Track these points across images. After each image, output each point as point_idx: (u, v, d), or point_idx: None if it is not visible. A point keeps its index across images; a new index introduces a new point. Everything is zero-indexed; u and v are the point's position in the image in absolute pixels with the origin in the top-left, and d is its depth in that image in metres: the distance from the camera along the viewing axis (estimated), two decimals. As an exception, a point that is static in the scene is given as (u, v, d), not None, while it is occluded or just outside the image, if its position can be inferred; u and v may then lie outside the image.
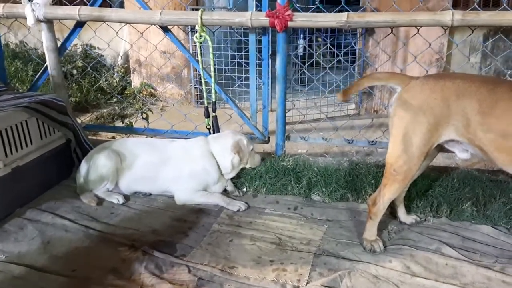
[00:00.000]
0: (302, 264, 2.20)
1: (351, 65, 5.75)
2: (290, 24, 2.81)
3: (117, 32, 3.50)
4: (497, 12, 2.55)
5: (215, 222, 2.60)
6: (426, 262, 2.18)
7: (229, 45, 5.80)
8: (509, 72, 3.63)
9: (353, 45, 5.91)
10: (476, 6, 2.65)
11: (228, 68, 5.91)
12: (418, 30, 2.82)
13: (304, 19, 2.80)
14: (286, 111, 3.11)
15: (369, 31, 5.70)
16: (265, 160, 2.89)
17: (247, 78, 4.28)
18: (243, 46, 5.46)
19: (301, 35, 6.74)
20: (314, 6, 3.23)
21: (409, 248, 2.29)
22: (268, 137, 3.28)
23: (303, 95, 6.01)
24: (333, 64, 5.87)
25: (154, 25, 3.09)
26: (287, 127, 3.17)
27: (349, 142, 3.17)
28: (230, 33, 6.13)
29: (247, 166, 2.90)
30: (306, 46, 6.54)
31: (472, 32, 5.11)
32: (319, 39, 6.77)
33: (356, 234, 2.43)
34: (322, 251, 2.30)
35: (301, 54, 6.83)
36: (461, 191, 2.64)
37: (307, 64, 4.45)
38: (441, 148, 2.29)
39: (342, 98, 2.31)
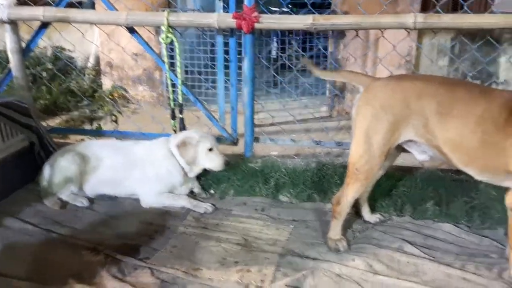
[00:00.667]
0: (266, 264, 2.20)
1: (324, 68, 5.88)
2: (257, 25, 2.82)
3: (83, 34, 3.45)
4: (458, 15, 2.62)
5: (181, 224, 2.58)
6: (388, 260, 2.21)
7: (202, 47, 5.78)
8: (470, 74, 3.66)
9: (322, 48, 5.97)
10: (439, 9, 2.70)
11: (201, 71, 5.89)
12: (382, 33, 2.87)
13: (271, 21, 2.82)
14: (257, 113, 3.11)
15: (339, 34, 5.77)
16: (230, 165, 2.83)
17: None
18: (216, 48, 5.45)
19: (274, 37, 6.79)
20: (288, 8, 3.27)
21: (373, 246, 2.32)
22: (237, 139, 3.28)
23: (276, 98, 6.04)
24: (304, 67, 5.90)
25: (121, 26, 3.06)
26: (259, 129, 3.18)
27: (317, 144, 3.19)
28: (202, 36, 6.12)
29: (206, 167, 2.82)
30: (278, 49, 6.59)
31: (435, 35, 5.21)
32: (293, 42, 6.84)
33: (321, 234, 2.45)
34: (287, 251, 2.31)
35: (274, 56, 6.88)
36: (424, 190, 2.69)
37: (274, 66, 4.46)
38: (402, 149, 2.33)
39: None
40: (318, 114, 6.10)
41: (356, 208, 2.60)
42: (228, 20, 2.84)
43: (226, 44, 3.85)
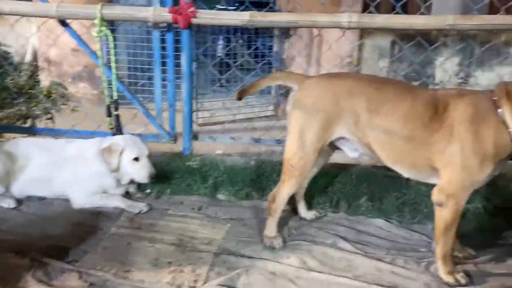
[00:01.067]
0: (200, 264, 2.16)
1: (269, 67, 5.90)
2: (194, 21, 2.77)
3: (12, 26, 3.26)
4: (391, 15, 2.69)
5: (114, 225, 2.50)
6: (322, 256, 2.23)
7: (145, 43, 5.64)
8: (402, 74, 3.78)
9: (268, 47, 5.99)
10: (373, 10, 2.76)
11: (144, 67, 5.74)
12: (319, 32, 2.90)
13: (208, 16, 2.78)
14: (201, 111, 3.06)
15: (284, 34, 5.81)
16: (156, 178, 2.68)
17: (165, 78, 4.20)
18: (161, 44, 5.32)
19: (221, 35, 6.75)
20: (235, 6, 3.23)
21: (307, 243, 2.33)
22: (176, 137, 3.22)
23: (222, 96, 5.99)
24: (250, 65, 5.91)
25: (51, 18, 2.92)
26: (204, 128, 3.13)
27: (256, 141, 3.19)
28: (148, 31, 5.96)
29: (130, 177, 2.69)
30: (224, 47, 6.55)
31: (376, 37, 5.35)
32: (240, 41, 6.83)
33: (258, 232, 2.44)
34: (223, 250, 2.28)
35: (220, 54, 6.83)
36: (358, 186, 2.74)
37: (212, 63, 4.41)
38: (336, 147, 2.36)
39: (238, 97, 2.32)
40: (264, 113, 6.12)
41: (293, 205, 2.62)
42: (164, 14, 2.78)
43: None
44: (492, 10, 3.62)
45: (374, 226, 2.52)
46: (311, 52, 5.83)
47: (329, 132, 2.15)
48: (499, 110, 1.87)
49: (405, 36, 5.87)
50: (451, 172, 1.95)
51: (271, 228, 2.33)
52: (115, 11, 2.83)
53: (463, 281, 2.04)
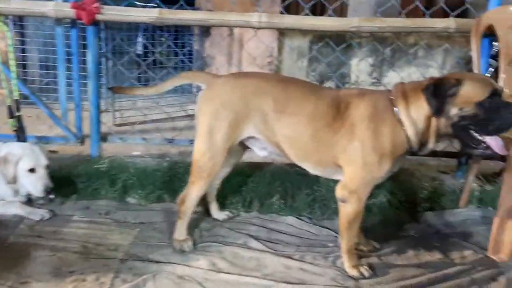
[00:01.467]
0: (105, 272, 2.06)
1: (190, 66, 5.82)
2: (99, 17, 2.65)
3: None
4: (300, 16, 2.74)
5: (12, 234, 2.32)
6: (232, 257, 2.21)
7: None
8: (309, 73, 3.88)
9: (189, 46, 5.91)
10: (283, 10, 2.79)
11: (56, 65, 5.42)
12: (232, 30, 2.88)
13: (113, 12, 2.67)
14: (120, 111, 2.92)
15: (205, 32, 5.76)
16: (51, 193, 2.53)
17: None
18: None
19: (140, 33, 6.54)
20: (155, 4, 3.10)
21: (218, 244, 2.31)
22: (83, 138, 3.06)
23: (143, 96, 5.80)
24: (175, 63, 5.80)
25: None
26: (123, 128, 2.99)
27: (170, 142, 3.11)
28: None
29: (26, 189, 2.53)
30: (143, 45, 6.36)
31: (295, 37, 5.45)
32: (162, 38, 6.67)
33: (168, 235, 2.37)
34: (130, 256, 2.19)
35: (141, 52, 6.63)
36: (272, 185, 2.76)
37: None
38: (247, 146, 2.36)
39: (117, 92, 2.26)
40: (185, 112, 6.01)
41: (205, 207, 2.58)
42: (66, 10, 2.63)
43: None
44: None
45: (285, 224, 2.55)
46: (232, 52, 5.83)
47: (238, 132, 2.13)
48: (395, 109, 1.95)
49: (322, 37, 6.06)
50: (353, 169, 2.01)
51: (180, 231, 2.28)
52: (11, 6, 2.63)
53: (366, 273, 2.11)
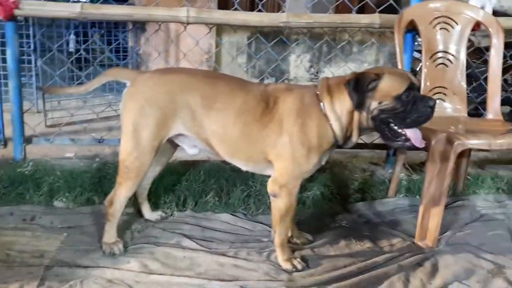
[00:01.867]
0: (29, 280, 1.95)
1: (125, 63, 5.66)
2: (17, 12, 2.50)
3: None
4: (229, 11, 2.72)
5: None
6: (164, 258, 2.16)
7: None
8: (249, 69, 3.89)
9: (124, 42, 5.74)
10: (212, 6, 2.76)
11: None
12: (160, 26, 2.83)
13: (32, 7, 2.53)
14: (51, 111, 2.76)
15: (139, 28, 5.61)
16: None
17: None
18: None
19: (72, 29, 6.28)
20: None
21: (150, 245, 2.25)
22: (5, 141, 2.88)
23: (76, 95, 5.56)
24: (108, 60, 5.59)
25: None
26: (53, 129, 2.83)
27: (100, 142, 3.00)
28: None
29: None
30: (76, 42, 6.12)
31: (235, 33, 5.45)
32: (99, 35, 6.44)
33: (97, 239, 2.28)
34: (56, 262, 2.08)
35: (73, 50, 6.38)
36: (206, 182, 2.73)
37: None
38: (178, 145, 2.31)
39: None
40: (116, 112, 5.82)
41: (137, 208, 2.51)
42: (-19, 4, 2.45)
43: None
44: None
45: (220, 221, 2.53)
46: (169, 48, 5.73)
47: (165, 129, 2.08)
48: (321, 104, 1.98)
49: (260, 33, 6.09)
50: (282, 164, 2.03)
51: (110, 234, 2.20)
52: None
53: (299, 266, 2.14)
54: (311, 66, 6.51)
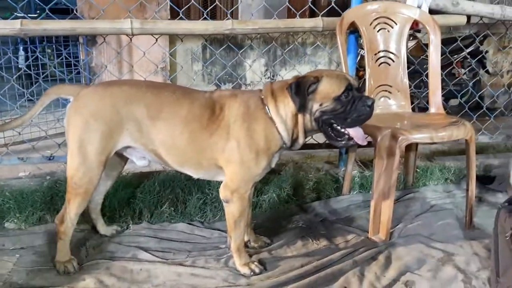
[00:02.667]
0: (-21, 306, 1.90)
1: (78, 77, 5.55)
2: (-48, 31, 2.42)
3: None
4: (173, 21, 2.73)
5: None
6: (121, 272, 2.14)
7: None
8: (205, 76, 3.89)
9: (74, 56, 5.63)
10: (156, 16, 2.76)
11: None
12: (104, 39, 2.80)
13: (-31, 25, 2.45)
14: None
15: (90, 41, 5.53)
16: None
17: None
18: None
19: (21, 45, 6.12)
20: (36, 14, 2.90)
21: (106, 260, 2.22)
22: None
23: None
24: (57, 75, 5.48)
25: None
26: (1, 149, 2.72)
27: (50, 159, 2.94)
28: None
29: None
30: (25, 58, 5.95)
31: (187, 41, 5.45)
32: (50, 50, 6.30)
33: (50, 258, 2.23)
34: (9, 285, 2.03)
35: (23, 66, 6.20)
36: (162, 193, 2.72)
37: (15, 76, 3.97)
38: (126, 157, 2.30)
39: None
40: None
41: (92, 224, 2.48)
42: None
43: None
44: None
45: (176, 231, 2.52)
46: (122, 60, 5.66)
47: (112, 143, 2.07)
48: (266, 108, 2.02)
49: (214, 40, 6.12)
50: (232, 169, 2.05)
51: (63, 252, 2.16)
52: None
53: (257, 270, 2.16)
54: (266, 70, 6.57)
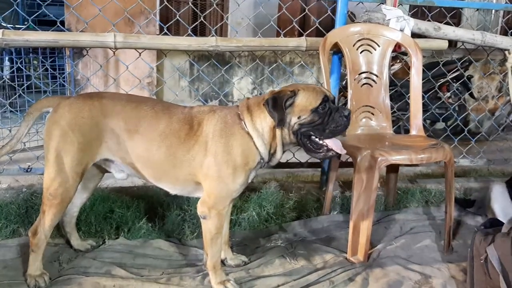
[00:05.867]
0: None
1: (63, 89, 5.52)
2: None
3: None
4: (157, 36, 2.75)
5: None
6: (93, 288, 2.10)
7: None
8: (192, 92, 3.89)
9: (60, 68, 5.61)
10: (140, 30, 2.77)
11: None
12: (87, 52, 2.79)
13: (-50, 34, 2.42)
14: None
15: (76, 53, 5.51)
16: None
17: None
18: None
19: (6, 56, 6.08)
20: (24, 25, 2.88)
21: (79, 276, 2.17)
22: None
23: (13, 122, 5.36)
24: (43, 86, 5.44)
25: None
26: None
27: (27, 171, 2.89)
28: None
29: None
30: (9, 69, 5.91)
31: (173, 57, 5.45)
32: (36, 61, 6.26)
33: (22, 272, 2.18)
34: (-25, 300, 1.98)
35: (8, 76, 6.15)
36: (140, 208, 2.68)
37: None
38: (106, 170, 2.27)
39: None
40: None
41: (66, 237, 2.43)
42: None
43: None
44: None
45: (152, 247, 2.47)
46: (108, 73, 5.64)
47: (90, 155, 2.04)
48: (243, 123, 2.02)
49: (201, 57, 6.14)
50: (209, 185, 2.03)
51: (35, 266, 2.11)
52: None
53: (231, 288, 2.13)
54: (254, 88, 6.60)
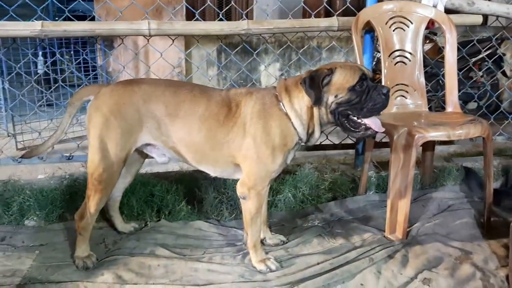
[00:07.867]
0: (0, 299, 1.94)
1: (96, 81, 5.65)
2: (-23, 33, 2.49)
3: None
4: (189, 22, 2.77)
5: None
6: (139, 267, 2.17)
7: None
8: (220, 80, 3.93)
9: (91, 60, 5.73)
10: (173, 17, 2.81)
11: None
12: (122, 41, 2.86)
13: (-9, 28, 2.52)
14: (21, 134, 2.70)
15: (107, 45, 5.62)
16: None
17: None
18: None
19: (40, 50, 6.24)
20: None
21: (124, 256, 2.25)
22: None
23: (48, 116, 5.53)
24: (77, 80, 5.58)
25: None
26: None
27: (69, 159, 2.99)
28: None
29: None
30: (45, 63, 6.07)
31: (202, 45, 5.52)
32: (68, 56, 6.42)
33: (70, 254, 2.27)
34: (28, 279, 2.07)
35: (42, 71, 6.32)
36: (179, 192, 2.74)
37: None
38: (146, 155, 2.33)
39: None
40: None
41: (110, 220, 2.51)
42: None
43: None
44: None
45: (193, 228, 2.55)
46: (139, 64, 5.74)
47: (132, 140, 2.11)
48: (281, 104, 2.04)
49: (229, 44, 6.17)
50: (249, 166, 2.07)
51: (82, 248, 2.20)
52: None
53: (273, 266, 2.17)
54: (281, 75, 6.59)
